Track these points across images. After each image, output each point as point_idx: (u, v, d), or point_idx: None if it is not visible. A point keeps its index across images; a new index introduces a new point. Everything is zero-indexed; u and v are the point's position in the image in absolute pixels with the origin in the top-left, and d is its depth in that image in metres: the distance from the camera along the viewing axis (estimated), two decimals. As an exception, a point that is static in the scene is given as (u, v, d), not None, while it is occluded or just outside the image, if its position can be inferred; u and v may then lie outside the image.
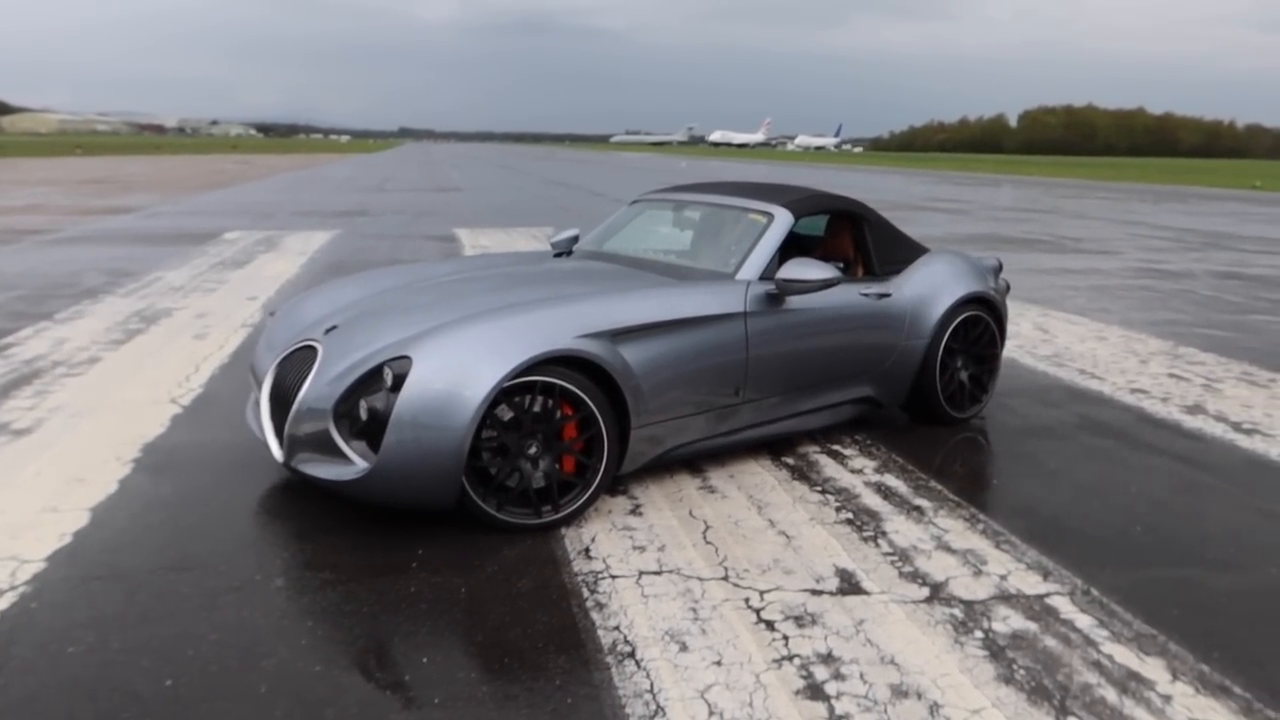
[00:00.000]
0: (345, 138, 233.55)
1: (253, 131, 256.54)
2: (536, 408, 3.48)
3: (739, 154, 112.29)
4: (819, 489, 4.03)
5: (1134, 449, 4.64)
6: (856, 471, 4.26)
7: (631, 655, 2.71)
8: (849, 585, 3.16)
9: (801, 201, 4.67)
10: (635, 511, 3.77)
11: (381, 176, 34.34)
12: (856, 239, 4.89)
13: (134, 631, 2.80)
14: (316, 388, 3.54)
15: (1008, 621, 2.93)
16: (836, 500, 3.91)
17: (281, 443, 3.62)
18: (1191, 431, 4.92)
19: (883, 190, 30.67)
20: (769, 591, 3.10)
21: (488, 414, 3.38)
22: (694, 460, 4.27)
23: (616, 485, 4.00)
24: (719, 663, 2.68)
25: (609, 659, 2.69)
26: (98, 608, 2.93)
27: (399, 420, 3.28)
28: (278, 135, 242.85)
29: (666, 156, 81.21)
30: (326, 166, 44.17)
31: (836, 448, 4.59)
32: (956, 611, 2.99)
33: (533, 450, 3.51)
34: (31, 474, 4.05)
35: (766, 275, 4.23)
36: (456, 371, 3.33)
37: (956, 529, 3.64)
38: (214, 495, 3.86)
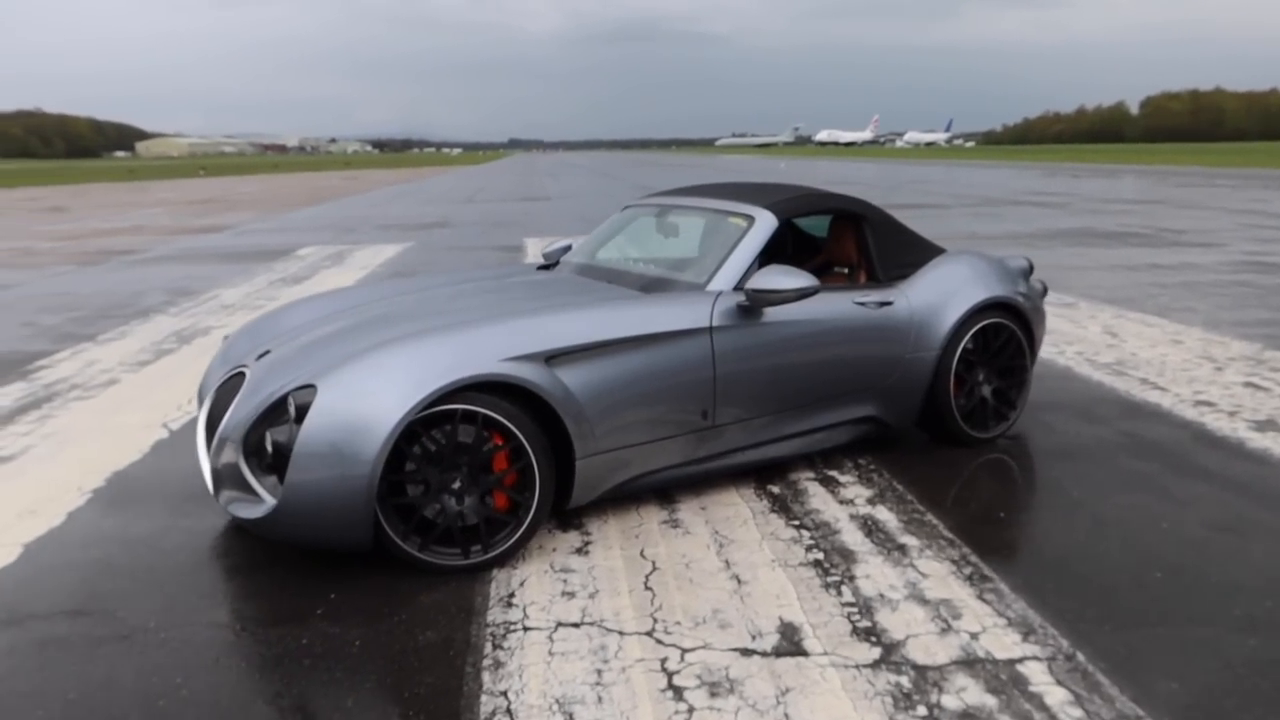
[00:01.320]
0: (456, 151, 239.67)
1: (368, 148, 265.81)
2: (460, 438, 3.18)
3: (845, 153, 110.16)
4: (795, 523, 3.61)
5: (1180, 474, 4.04)
6: (846, 502, 3.81)
7: (493, 729, 2.38)
8: (788, 644, 2.75)
9: (788, 202, 4.24)
10: (582, 550, 3.43)
11: (476, 188, 34.82)
12: (859, 241, 4.42)
13: (-7, 687, 2.62)
14: (234, 418, 3.33)
15: (962, 695, 2.47)
16: (811, 537, 3.48)
17: (210, 475, 3.42)
18: (1255, 453, 4.27)
19: (980, 185, 29.35)
20: (692, 650, 2.72)
21: (402, 446, 3.09)
22: (668, 490, 3.90)
23: (571, 518, 3.68)
24: (601, 741, 2.32)
25: (474, 731, 2.37)
26: (-29, 657, 2.76)
27: (301, 454, 3.03)
28: (392, 150, 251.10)
29: (768, 158, 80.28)
30: (428, 180, 45.12)
31: (833, 473, 4.14)
32: (905, 680, 2.55)
33: (457, 485, 3.21)
34: (-14, 505, 3.98)
35: (743, 284, 3.82)
36: (363, 401, 3.06)
37: (938, 574, 3.17)
38: (159, 531, 3.70)
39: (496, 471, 3.24)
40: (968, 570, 3.19)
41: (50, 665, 2.73)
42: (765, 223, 4.06)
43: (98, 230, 18.87)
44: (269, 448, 3.14)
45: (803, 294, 3.70)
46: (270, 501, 3.10)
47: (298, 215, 22.42)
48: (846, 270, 4.52)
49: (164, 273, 11.89)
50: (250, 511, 3.16)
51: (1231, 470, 4.06)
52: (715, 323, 3.67)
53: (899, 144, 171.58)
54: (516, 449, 3.23)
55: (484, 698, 2.52)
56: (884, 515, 3.67)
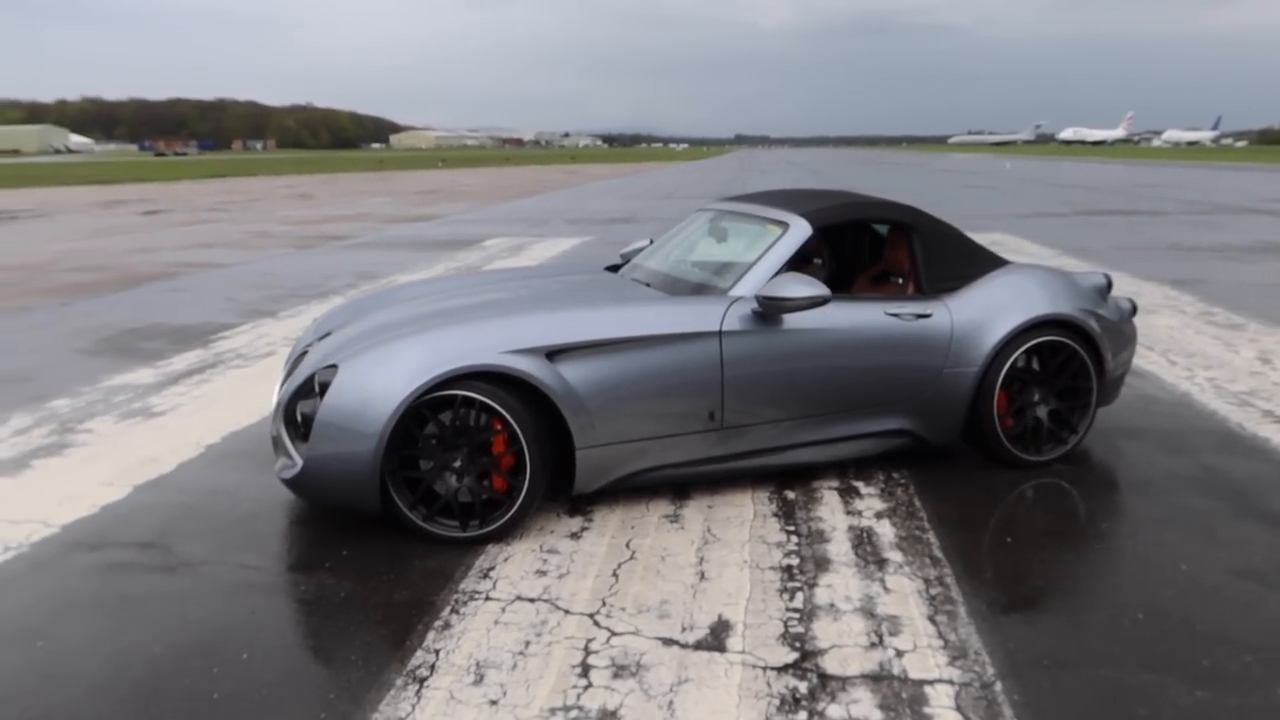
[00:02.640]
0: (683, 146, 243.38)
1: (599, 142, 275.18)
2: (461, 421, 3.48)
3: (1093, 152, 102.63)
4: (790, 529, 3.66)
5: (1240, 516, 3.73)
6: (853, 513, 3.81)
7: (421, 681, 2.65)
8: (712, 639, 2.85)
9: (826, 210, 4.24)
10: (576, 534, 3.65)
11: (681, 184, 35.40)
12: (910, 251, 4.35)
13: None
14: (284, 391, 3.80)
15: (851, 706, 2.51)
16: (796, 544, 3.53)
17: (272, 440, 3.92)
18: (1346, 500, 3.85)
19: (1221, 191, 26.64)
20: (621, 635, 2.89)
21: (411, 426, 3.43)
22: (684, 486, 4.05)
23: (581, 504, 3.90)
24: (495, 702, 2.55)
25: (398, 681, 2.66)
26: None
27: (320, 424, 3.44)
28: (621, 145, 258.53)
29: (997, 157, 76.24)
30: (642, 175, 46.26)
31: (859, 484, 4.13)
32: (803, 685, 2.60)
33: (458, 464, 3.52)
34: (87, 457, 4.69)
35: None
36: (373, 382, 3.42)
37: (903, 591, 3.15)
38: (240, 484, 4.23)
39: (494, 454, 3.52)
40: (935, 591, 3.15)
41: (107, 582, 3.28)
42: (798, 230, 4.10)
43: (328, 217, 20.83)
44: (299, 418, 3.58)
45: (813, 302, 3.74)
46: (299, 465, 3.53)
47: (504, 207, 23.75)
48: (900, 280, 4.45)
49: (361, 258, 13.05)
50: (286, 473, 3.60)
51: (1303, 517, 3.70)
52: (726, 327, 3.77)
53: (1155, 143, 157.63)
54: (513, 435, 3.49)
55: (419, 653, 2.81)
56: (884, 529, 3.65)
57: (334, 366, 3.55)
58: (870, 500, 3.94)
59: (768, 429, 3.92)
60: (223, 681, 2.67)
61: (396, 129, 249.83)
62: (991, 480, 4.16)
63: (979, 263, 4.36)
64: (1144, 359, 6.27)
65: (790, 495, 4.00)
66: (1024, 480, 4.16)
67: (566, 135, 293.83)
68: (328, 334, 4.18)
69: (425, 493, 3.53)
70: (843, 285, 4.87)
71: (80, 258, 13.38)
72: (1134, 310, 4.67)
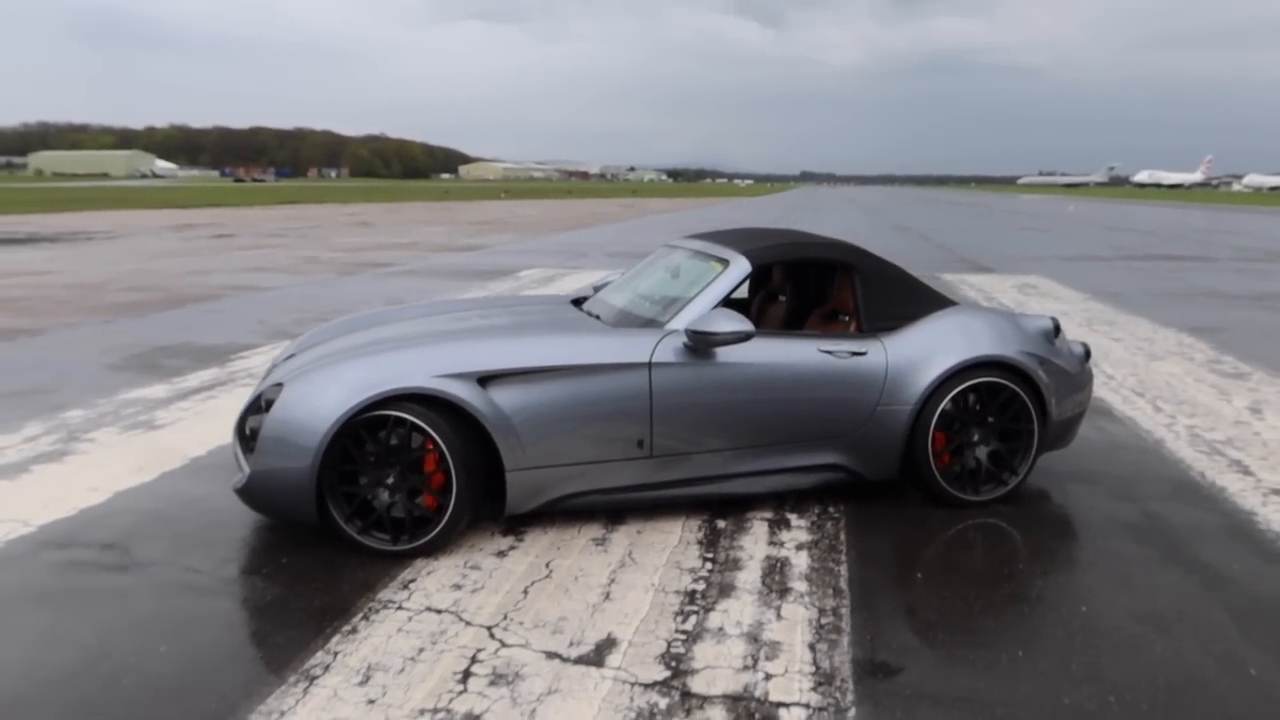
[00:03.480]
0: (747, 182, 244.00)
1: (663, 176, 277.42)
2: (394, 441, 3.69)
3: (1168, 195, 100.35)
4: (708, 556, 3.78)
5: (1161, 563, 3.75)
6: (777, 544, 3.91)
7: (312, 680, 2.84)
8: (594, 655, 2.99)
9: (767, 249, 4.39)
10: (503, 553, 3.82)
11: (733, 219, 35.59)
12: (853, 290, 4.46)
13: None
14: (241, 408, 4.05)
15: (702, 722, 2.62)
16: (709, 570, 3.65)
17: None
18: None
19: (1267, 237, 25.92)
20: (510, 647, 3.05)
21: (345, 442, 3.64)
22: (620, 512, 4.19)
23: (518, 525, 4.07)
24: (373, 701, 2.72)
25: (292, 678, 2.85)
26: None
27: (264, 440, 3.68)
28: (685, 180, 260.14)
29: (1063, 199, 75.01)
30: (698, 210, 46.58)
31: (792, 516, 4.23)
32: (663, 701, 2.73)
33: (390, 481, 3.72)
34: (82, 465, 5.00)
35: None
36: (312, 401, 3.65)
37: (794, 619, 3.25)
38: (209, 494, 4.47)
39: (425, 473, 3.71)
40: (826, 620, 3.24)
41: (62, 577, 3.55)
42: (738, 267, 4.26)
43: (379, 244, 21.45)
44: (248, 432, 3.82)
45: (737, 337, 3.88)
46: (246, 477, 3.77)
47: (552, 239, 24.18)
48: (846, 318, 4.56)
49: (395, 285, 13.47)
50: (236, 484, 3.84)
51: (1232, 566, 3.70)
52: (656, 359, 3.93)
53: (1236, 187, 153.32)
54: (442, 455, 3.68)
55: (319, 654, 3.00)
56: (800, 561, 3.74)
57: (280, 385, 3.79)
58: (797, 532, 4.04)
59: (700, 459, 4.06)
60: (136, 670, 2.89)
61: (466, 160, 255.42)
62: (927, 519, 4.22)
63: (923, 303, 4.45)
64: (1130, 405, 6.25)
65: (721, 524, 4.12)
66: (960, 520, 4.21)
67: (632, 169, 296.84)
68: (292, 355, 4.43)
69: (362, 507, 3.73)
70: (799, 322, 4.99)
71: (137, 278, 14.03)
72: (1087, 355, 4.70)
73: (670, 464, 4.02)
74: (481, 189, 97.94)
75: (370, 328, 4.69)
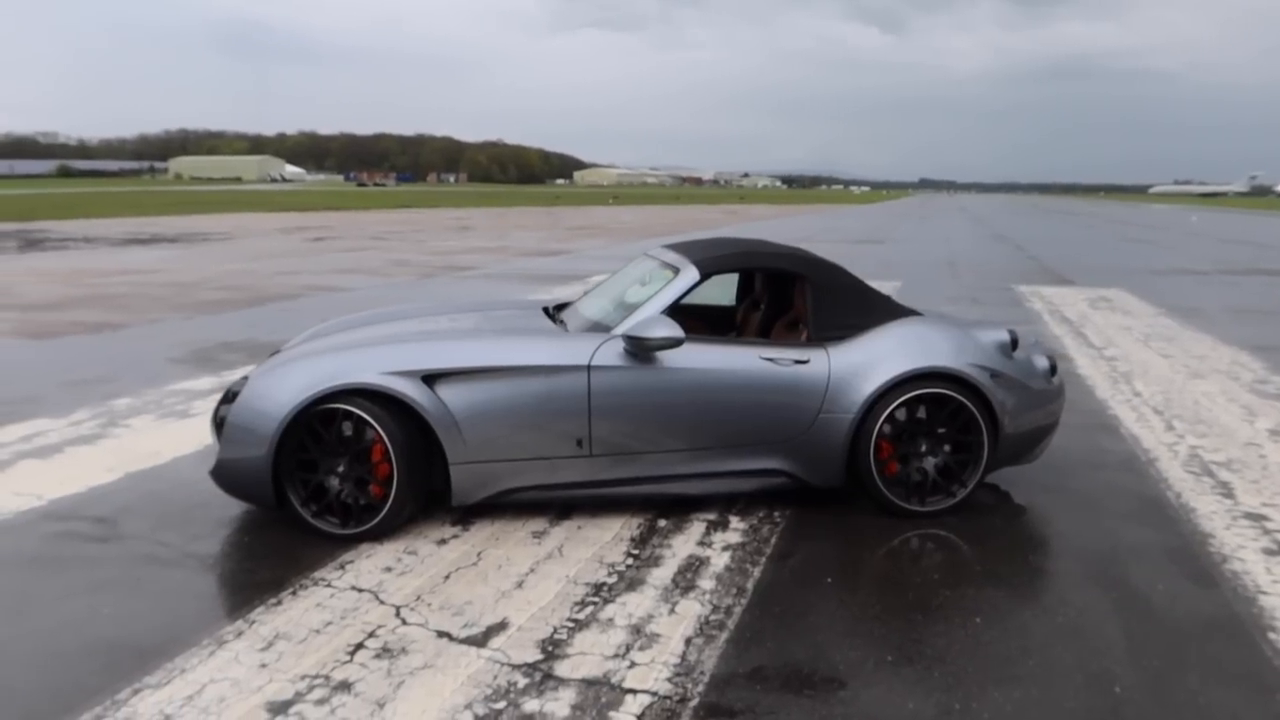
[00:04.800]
0: (863, 189, 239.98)
1: (777, 183, 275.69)
2: (344, 433, 3.98)
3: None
4: (634, 553, 3.94)
5: (1082, 581, 3.72)
6: (705, 544, 4.04)
7: (222, 644, 3.14)
8: (480, 637, 3.21)
9: (717, 259, 4.52)
10: (444, 541, 4.07)
11: (830, 228, 35.27)
12: (804, 300, 4.54)
13: None
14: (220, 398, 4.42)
15: (547, 704, 2.81)
16: (626, 565, 3.81)
17: None
18: (1224, 577, 3.76)
19: None
20: (408, 625, 3.28)
21: (302, 432, 3.95)
22: (570, 508, 4.38)
23: (469, 516, 4.30)
24: (265, 666, 2.99)
25: (205, 642, 3.15)
26: None
27: (228, 428, 4.03)
28: (800, 187, 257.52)
29: (1193, 209, 71.26)
30: (800, 217, 46.23)
31: (734, 518, 4.34)
32: (522, 681, 2.92)
33: (341, 469, 4.01)
34: (110, 448, 5.47)
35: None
36: (271, 394, 3.98)
37: (686, 615, 3.38)
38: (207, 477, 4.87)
39: (372, 463, 3.99)
40: (718, 618, 3.36)
41: (51, 545, 3.97)
42: (688, 276, 4.40)
43: (470, 248, 22.16)
44: (219, 421, 4.18)
45: (668, 343, 4.04)
46: (214, 462, 4.13)
47: (640, 245, 24.43)
48: (802, 326, 4.64)
49: (466, 288, 13.97)
50: (210, 468, 4.20)
51: (1156, 588, 3.65)
52: (596, 362, 4.11)
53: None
54: (386, 447, 3.95)
55: (238, 623, 3.30)
56: (720, 561, 3.86)
57: (246, 378, 4.13)
58: (731, 534, 4.15)
59: (641, 459, 4.22)
60: (78, 627, 3.25)
61: (581, 166, 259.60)
62: (870, 527, 4.27)
63: (875, 314, 4.49)
64: (1141, 423, 6.09)
65: (662, 523, 4.27)
66: (903, 530, 4.25)
67: (746, 175, 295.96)
68: (277, 350, 4.79)
69: (316, 493, 4.03)
70: (765, 330, 5.09)
71: (231, 278, 14.94)
72: (1053, 369, 4.64)
73: (611, 463, 4.20)
74: (591, 194, 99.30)
75: (361, 327, 5.01)
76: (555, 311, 5.06)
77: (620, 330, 4.20)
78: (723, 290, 5.85)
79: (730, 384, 4.22)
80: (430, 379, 4.02)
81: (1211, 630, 3.30)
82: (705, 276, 4.44)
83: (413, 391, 3.96)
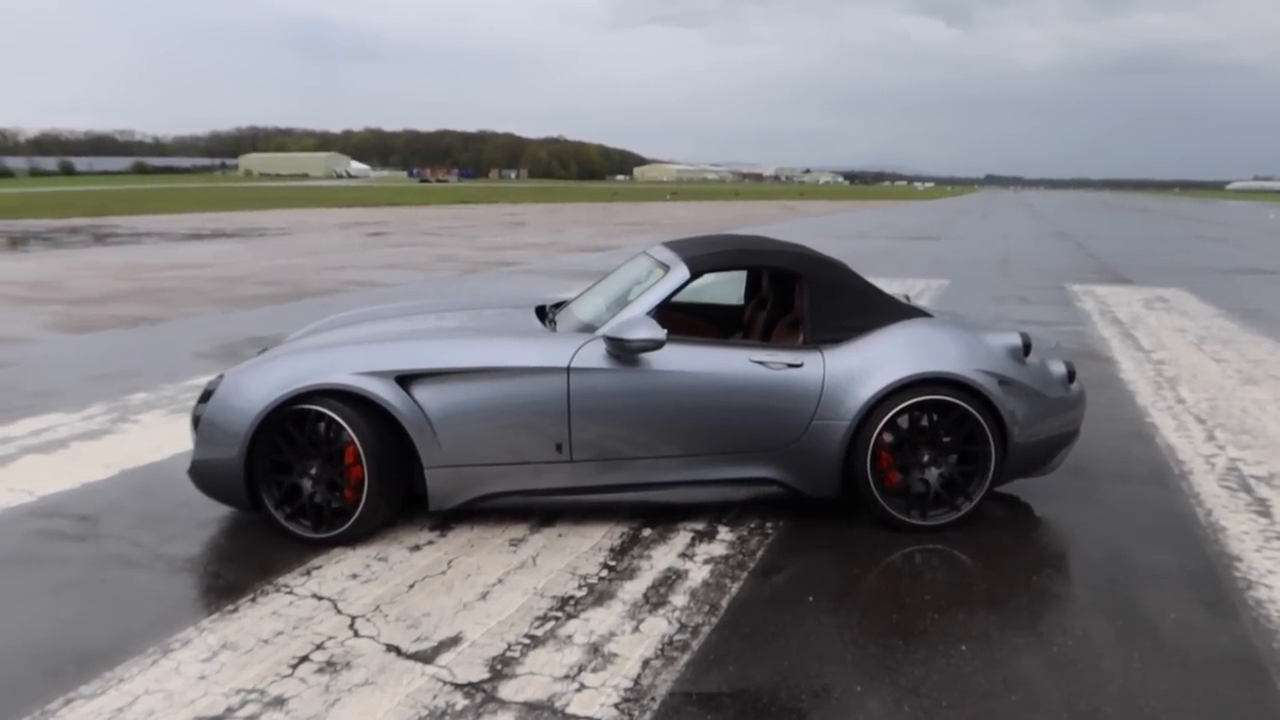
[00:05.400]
0: (927, 185, 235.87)
1: (839, 179, 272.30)
2: (316, 434, 3.88)
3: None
4: (611, 564, 3.77)
5: (1088, 608, 3.45)
6: (687, 556, 3.85)
7: (167, 652, 3.05)
8: (430, 652, 3.07)
9: (709, 257, 4.31)
10: (418, 547, 3.94)
11: (886, 223, 34.61)
12: (802, 300, 4.32)
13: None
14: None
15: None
16: (599, 578, 3.64)
17: None
18: (1246, 605, 3.46)
19: None
20: (359, 638, 3.16)
21: (275, 433, 3.86)
22: (554, 514, 4.24)
23: (450, 521, 4.18)
24: (204, 678, 2.89)
25: (152, 650, 3.06)
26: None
27: (202, 428, 3.96)
28: (862, 183, 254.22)
29: (1267, 207, 68.50)
30: (858, 213, 45.45)
31: (723, 528, 4.15)
32: (462, 703, 2.78)
33: (314, 471, 3.91)
34: (114, 443, 5.47)
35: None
36: (243, 394, 3.89)
37: (651, 633, 3.21)
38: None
39: (345, 465, 3.88)
40: (683, 638, 3.18)
41: (29, 542, 3.95)
42: (678, 275, 4.21)
43: (518, 244, 22.16)
44: (196, 419, 4.11)
45: (647, 345, 3.85)
46: (190, 463, 4.06)
47: (686, 241, 24.17)
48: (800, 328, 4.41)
49: (508, 283, 13.91)
50: (188, 468, 4.14)
51: (1167, 616, 3.36)
52: (576, 364, 3.94)
53: None
54: (359, 449, 3.84)
55: (189, 630, 3.21)
56: (699, 575, 3.68)
57: (221, 376, 4.05)
58: (716, 546, 3.96)
59: (624, 466, 4.04)
60: (31, 630, 3.20)
61: (641, 162, 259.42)
62: (867, 542, 4.04)
63: (878, 315, 4.25)
64: (1181, 432, 5.73)
65: (646, 532, 4.09)
66: (902, 545, 4.01)
67: (807, 171, 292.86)
68: (265, 348, 4.72)
69: (290, 494, 3.94)
70: (770, 331, 4.86)
71: (276, 273, 15.10)
72: (1070, 376, 4.35)
73: (594, 469, 4.03)
74: (650, 190, 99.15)
75: (352, 325, 4.92)
76: (553, 310, 4.91)
77: (602, 331, 4.03)
78: (734, 289, 5.65)
79: (718, 388, 4.02)
80: (405, 380, 3.89)
81: (1222, 666, 3.01)
82: (696, 275, 4.24)
83: (385, 393, 3.84)
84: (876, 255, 19.57)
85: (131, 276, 14.22)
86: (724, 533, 4.10)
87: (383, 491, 3.88)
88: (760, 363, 4.05)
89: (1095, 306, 11.57)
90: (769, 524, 4.21)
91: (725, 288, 5.52)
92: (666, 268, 4.31)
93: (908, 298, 5.47)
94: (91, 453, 5.20)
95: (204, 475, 3.99)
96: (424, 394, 3.89)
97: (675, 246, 4.64)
